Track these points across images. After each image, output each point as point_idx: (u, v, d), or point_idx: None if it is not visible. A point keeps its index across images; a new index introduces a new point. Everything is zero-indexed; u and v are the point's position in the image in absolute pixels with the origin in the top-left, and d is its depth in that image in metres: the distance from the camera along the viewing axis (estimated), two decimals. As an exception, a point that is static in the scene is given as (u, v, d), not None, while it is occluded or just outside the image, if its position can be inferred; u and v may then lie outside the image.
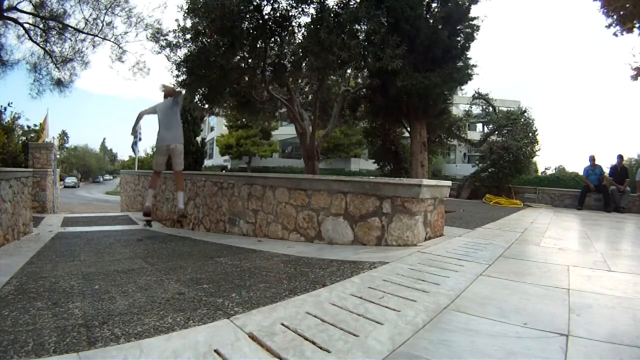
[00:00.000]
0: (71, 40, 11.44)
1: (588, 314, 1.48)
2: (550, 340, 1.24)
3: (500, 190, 10.36)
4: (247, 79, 7.76)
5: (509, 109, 13.89)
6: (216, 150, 29.82)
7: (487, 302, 1.60)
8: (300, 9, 6.05)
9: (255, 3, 6.01)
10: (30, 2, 10.58)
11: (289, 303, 1.63)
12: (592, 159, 8.60)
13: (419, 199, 2.89)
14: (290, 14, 6.15)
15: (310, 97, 9.82)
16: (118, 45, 11.80)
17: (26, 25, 10.90)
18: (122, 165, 57.40)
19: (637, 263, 2.51)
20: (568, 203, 9.26)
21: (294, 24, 6.30)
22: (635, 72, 8.87)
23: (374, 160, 11.67)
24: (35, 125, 12.52)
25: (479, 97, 11.75)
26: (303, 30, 6.28)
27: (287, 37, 6.51)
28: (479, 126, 25.15)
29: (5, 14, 10.34)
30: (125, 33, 11.65)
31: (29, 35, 10.97)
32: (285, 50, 6.66)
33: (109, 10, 11.24)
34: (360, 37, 6.14)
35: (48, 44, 11.36)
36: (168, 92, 4.45)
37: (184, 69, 6.95)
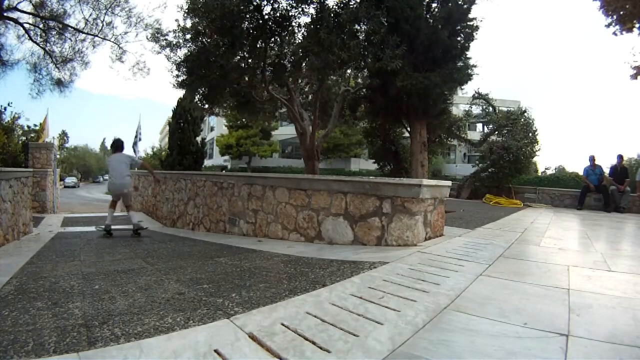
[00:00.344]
0: (71, 40, 11.45)
1: (588, 314, 1.48)
2: (550, 340, 1.24)
3: (500, 190, 10.36)
4: (247, 79, 7.76)
5: (509, 109, 13.89)
6: (216, 150, 29.81)
7: (487, 302, 1.60)
8: (300, 9, 6.05)
9: (255, 3, 6.00)
10: (30, 2, 10.59)
11: (289, 303, 1.63)
12: (592, 159, 8.59)
13: (419, 199, 2.89)
14: (290, 14, 6.15)
15: (310, 97, 9.82)
16: (118, 45, 11.81)
17: (26, 25, 10.91)
18: (122, 165, 57.23)
19: (637, 263, 2.51)
20: (568, 203, 9.26)
21: (294, 24, 6.29)
22: (635, 72, 8.87)
23: (374, 160, 11.67)
24: (35, 125, 12.52)
25: (479, 97, 11.75)
26: (303, 30, 6.28)
27: (287, 37, 6.51)
28: (479, 126, 25.15)
29: (5, 14, 10.34)
30: (125, 33, 11.66)
31: (29, 35, 10.98)
32: (285, 50, 6.66)
33: (109, 10, 11.24)
34: (360, 37, 6.14)
35: (48, 44, 11.36)
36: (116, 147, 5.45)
37: (184, 69, 6.95)
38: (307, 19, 6.12)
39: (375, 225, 3.04)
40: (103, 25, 11.36)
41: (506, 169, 10.19)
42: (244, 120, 21.10)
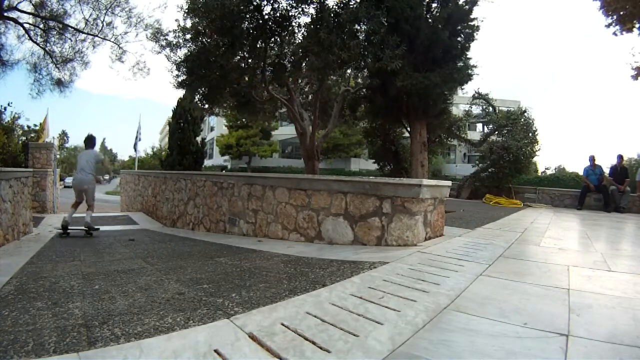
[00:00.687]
0: (71, 40, 11.44)
1: (588, 314, 1.47)
2: (550, 340, 1.24)
3: (500, 190, 10.36)
4: (247, 79, 7.75)
5: (509, 109, 13.89)
6: (216, 150, 29.81)
7: (487, 302, 1.60)
8: (300, 9, 6.05)
9: (255, 3, 6.00)
10: (30, 2, 10.58)
11: (289, 303, 1.63)
12: (592, 159, 8.59)
13: (419, 199, 2.89)
14: (290, 14, 6.14)
15: (310, 97, 9.81)
16: (118, 45, 11.80)
17: (26, 25, 10.90)
18: (122, 166, 57.37)
19: (637, 263, 2.51)
20: (568, 203, 9.26)
21: (294, 24, 6.29)
22: (636, 72, 8.87)
23: (374, 160, 11.67)
24: (35, 125, 12.51)
25: (479, 97, 11.75)
26: (303, 30, 6.28)
27: (287, 37, 6.51)
28: (479, 126, 25.14)
29: (5, 14, 10.33)
30: (125, 33, 11.64)
31: (29, 35, 10.97)
32: (285, 50, 6.66)
33: (109, 10, 11.23)
34: (360, 37, 6.14)
35: (48, 44, 11.35)
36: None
37: (184, 69, 6.94)
38: (307, 19, 6.12)
39: (375, 225, 3.04)
40: (103, 25, 11.36)
41: (506, 169, 10.18)
42: (244, 120, 21.11)
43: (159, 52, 6.99)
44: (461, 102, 18.32)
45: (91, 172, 5.32)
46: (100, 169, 5.57)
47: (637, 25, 8.34)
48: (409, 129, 8.06)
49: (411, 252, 2.61)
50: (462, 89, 8.10)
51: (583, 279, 2.01)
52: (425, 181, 2.95)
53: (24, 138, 12.08)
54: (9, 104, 11.14)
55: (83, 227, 5.15)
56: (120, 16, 11.41)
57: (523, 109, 11.11)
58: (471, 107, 12.55)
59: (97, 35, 11.45)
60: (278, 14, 6.12)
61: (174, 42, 6.82)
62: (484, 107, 12.24)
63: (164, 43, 6.90)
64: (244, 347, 1.20)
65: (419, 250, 2.66)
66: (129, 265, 2.74)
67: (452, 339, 1.25)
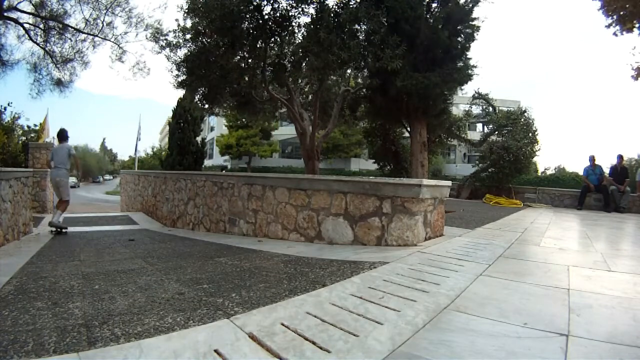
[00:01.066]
0: (71, 40, 11.45)
1: (588, 314, 1.47)
2: (550, 340, 1.24)
3: (500, 190, 10.36)
4: (247, 79, 7.75)
5: (509, 109, 13.88)
6: (216, 150, 29.82)
7: (487, 302, 1.60)
8: (300, 9, 6.05)
9: (255, 3, 6.00)
10: (30, 2, 10.59)
11: (289, 303, 1.63)
12: (592, 159, 8.59)
13: (419, 199, 2.89)
14: (290, 14, 6.14)
15: (310, 97, 9.81)
16: (118, 45, 11.81)
17: (26, 25, 10.91)
18: (122, 165, 57.44)
19: (637, 263, 2.51)
20: (568, 203, 9.26)
21: (293, 24, 6.29)
22: (636, 72, 8.87)
23: (374, 160, 11.67)
24: (35, 125, 12.53)
25: (479, 97, 11.75)
26: (303, 30, 6.28)
27: (287, 37, 6.51)
28: (479, 126, 25.16)
29: (5, 14, 10.34)
30: (126, 33, 11.66)
31: (29, 35, 10.98)
32: (285, 50, 6.66)
33: (109, 10, 11.24)
34: (360, 37, 6.14)
35: (48, 44, 11.36)
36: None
37: (184, 69, 6.95)
38: (307, 19, 6.12)
39: (375, 225, 3.04)
40: (103, 25, 11.37)
41: (506, 169, 10.18)
42: (244, 120, 21.12)
43: (159, 52, 6.99)
44: (461, 102, 18.33)
45: (66, 167, 5.41)
46: (72, 164, 5.65)
47: (637, 25, 8.33)
48: (409, 129, 8.06)
49: (411, 252, 2.61)
50: (462, 89, 8.10)
51: (583, 279, 2.01)
52: (425, 181, 2.95)
53: (24, 138, 12.09)
54: (9, 104, 11.19)
55: (52, 228, 5.24)
56: (120, 16, 11.43)
57: (523, 109, 11.11)
58: (471, 107, 12.55)
59: (97, 35, 11.46)
60: (278, 14, 6.12)
61: (174, 42, 6.82)
62: (484, 107, 12.25)
63: (164, 43, 6.90)
64: (244, 347, 1.20)
65: (419, 250, 2.66)
66: (129, 265, 2.74)
67: (452, 339, 1.25)
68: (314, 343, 1.22)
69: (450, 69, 6.55)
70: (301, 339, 1.25)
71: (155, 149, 38.71)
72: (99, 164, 66.31)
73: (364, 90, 8.62)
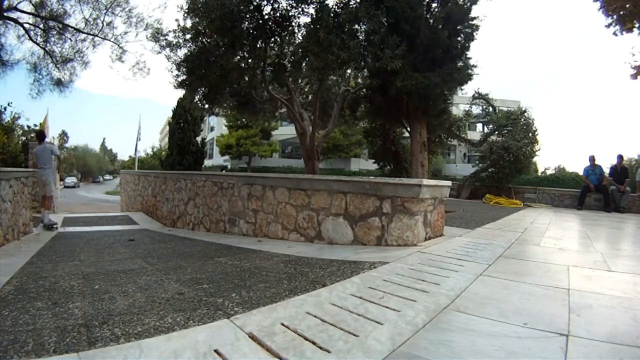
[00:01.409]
0: (71, 40, 11.45)
1: (588, 314, 1.47)
2: (550, 340, 1.24)
3: (500, 190, 10.35)
4: (247, 79, 7.75)
5: (509, 109, 13.88)
6: (216, 150, 29.82)
7: (487, 302, 1.60)
8: (300, 9, 6.05)
9: (255, 3, 6.00)
10: (30, 2, 10.58)
11: (289, 303, 1.63)
12: (592, 159, 8.58)
13: (419, 199, 2.89)
14: (290, 14, 6.14)
15: (310, 97, 9.81)
16: (118, 45, 11.81)
17: (26, 25, 10.90)
18: (122, 165, 57.46)
19: (637, 263, 2.51)
20: (568, 203, 9.26)
21: (293, 24, 6.29)
22: (635, 71, 8.86)
23: (374, 160, 11.67)
24: (35, 126, 12.53)
25: (479, 97, 11.74)
26: (303, 30, 6.28)
27: (287, 37, 6.51)
28: (479, 126, 25.16)
29: (5, 14, 10.34)
30: (125, 33, 11.66)
31: (29, 35, 10.98)
32: (285, 50, 6.66)
33: (109, 10, 11.24)
34: (360, 37, 6.14)
35: (48, 44, 11.36)
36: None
37: (184, 69, 6.95)
38: (307, 19, 6.12)
39: (375, 225, 3.04)
40: (103, 25, 11.37)
41: (506, 169, 10.18)
42: (244, 120, 21.11)
43: (159, 52, 6.99)
44: (461, 102, 18.33)
45: (51, 166, 5.72)
46: (56, 162, 5.93)
47: (637, 25, 8.33)
48: (409, 129, 8.06)
49: (411, 252, 2.61)
50: (462, 89, 8.10)
51: (583, 279, 2.01)
52: (425, 181, 2.95)
53: (24, 138, 12.09)
54: (9, 104, 11.20)
55: (45, 224, 5.53)
56: (120, 16, 11.43)
57: (523, 109, 11.11)
58: (471, 107, 12.55)
59: (97, 35, 11.46)
60: (278, 14, 6.12)
61: (174, 42, 6.82)
62: (484, 107, 12.25)
63: (164, 43, 6.90)
64: (244, 347, 1.20)
65: (419, 250, 2.66)
66: (129, 265, 2.74)
67: (452, 339, 1.25)
68: (314, 343, 1.22)
69: (450, 68, 6.55)
70: (301, 339, 1.25)
71: (155, 149, 38.73)
72: (99, 164, 66.34)
73: (364, 90, 8.62)
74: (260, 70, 7.20)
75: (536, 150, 10.75)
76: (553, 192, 10.02)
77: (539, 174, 19.12)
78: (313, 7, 5.94)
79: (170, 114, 17.63)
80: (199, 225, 5.73)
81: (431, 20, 6.65)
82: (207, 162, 28.48)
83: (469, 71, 7.00)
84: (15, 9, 10.51)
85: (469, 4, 6.64)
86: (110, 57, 11.95)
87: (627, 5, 8.08)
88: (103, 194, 33.69)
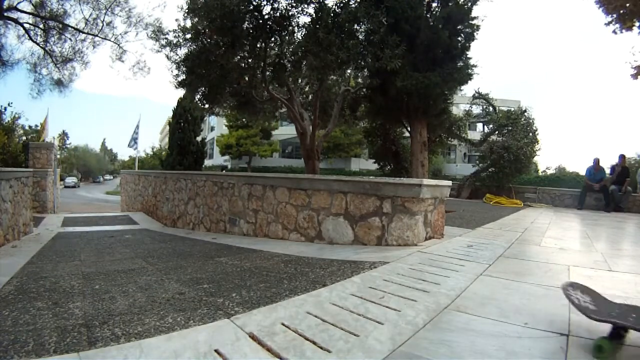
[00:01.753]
0: (71, 40, 11.44)
1: (588, 313, 1.47)
2: (550, 340, 1.24)
3: (500, 190, 10.35)
4: (247, 78, 7.75)
5: (509, 108, 13.88)
6: (216, 150, 29.83)
7: (488, 302, 1.60)
8: (300, 9, 6.05)
9: (255, 3, 6.00)
10: (30, 2, 10.58)
11: (289, 303, 1.63)
12: (596, 161, 8.52)
13: (419, 198, 2.89)
14: (290, 13, 6.14)
15: (310, 97, 9.81)
16: (118, 45, 11.80)
17: (26, 25, 10.90)
18: (122, 165, 57.48)
19: (637, 263, 2.51)
20: (568, 203, 9.25)
21: (293, 23, 6.29)
22: (635, 71, 8.85)
23: (374, 160, 11.67)
24: (36, 126, 12.56)
25: (479, 97, 11.74)
26: (303, 30, 6.28)
27: (287, 37, 6.51)
28: (479, 126, 25.12)
29: (5, 14, 10.33)
30: (125, 33, 11.65)
31: (29, 35, 10.97)
32: (285, 50, 6.66)
33: (109, 10, 11.23)
34: (360, 37, 6.14)
35: (48, 44, 11.35)
36: None
37: (184, 69, 6.95)
38: (307, 19, 6.12)
39: (375, 225, 3.04)
40: (103, 25, 11.36)
41: (506, 169, 10.18)
42: (244, 120, 21.12)
43: (159, 51, 6.99)
44: (461, 102, 18.31)
45: None
46: None
47: (637, 24, 8.32)
48: (409, 128, 8.06)
49: (411, 252, 2.61)
50: (462, 88, 8.09)
51: (584, 279, 2.00)
52: (426, 181, 2.95)
53: (24, 138, 12.10)
54: (9, 104, 11.18)
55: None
56: (120, 16, 11.42)
57: (523, 109, 11.11)
58: (471, 107, 12.55)
59: (97, 35, 11.46)
60: (278, 14, 6.12)
61: (174, 42, 6.82)
62: (484, 106, 12.24)
63: (164, 42, 6.89)
64: (244, 347, 1.20)
65: (419, 250, 2.66)
66: (130, 265, 2.74)
67: (453, 338, 1.25)
68: (314, 343, 1.22)
69: (451, 68, 6.54)
70: (301, 338, 1.25)
71: (155, 149, 38.74)
72: (99, 164, 66.38)
73: (364, 90, 8.62)
74: (260, 70, 7.20)
75: (536, 150, 10.75)
76: (553, 192, 10.01)
77: (540, 174, 19.09)
78: (313, 7, 5.94)
79: (167, 112, 17.69)
80: (199, 225, 5.73)
81: (431, 20, 6.64)
82: (208, 162, 28.48)
83: (469, 71, 6.99)
84: (15, 9, 10.51)
85: (469, 4, 6.64)
86: (111, 57, 11.95)
87: (627, 4, 8.07)
88: (103, 194, 33.70)
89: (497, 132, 11.23)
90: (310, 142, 7.92)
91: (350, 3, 5.95)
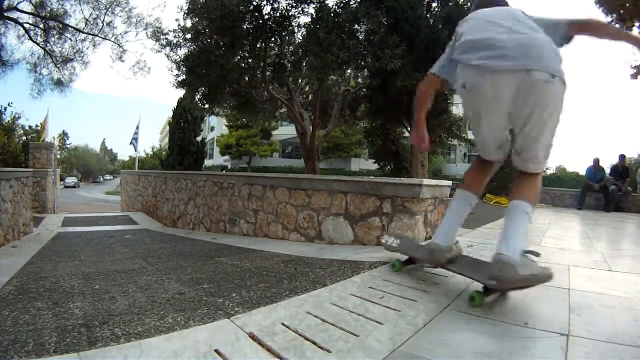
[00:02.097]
0: (71, 40, 11.45)
1: (589, 313, 1.47)
2: (550, 340, 1.24)
3: (500, 190, 10.34)
4: (247, 78, 7.76)
5: (509, 108, 13.85)
6: (216, 150, 29.83)
7: (488, 302, 1.60)
8: (300, 9, 6.05)
9: (255, 3, 6.00)
10: (30, 2, 10.59)
11: (289, 303, 1.62)
12: (596, 161, 8.52)
13: (419, 198, 2.89)
14: (290, 13, 6.15)
15: (310, 97, 9.81)
16: (118, 44, 11.81)
17: (26, 25, 10.90)
18: (122, 165, 57.49)
19: (637, 263, 2.51)
20: (568, 203, 9.25)
21: (293, 23, 6.30)
22: (635, 71, 8.85)
23: (374, 160, 11.66)
24: (36, 126, 12.57)
25: (479, 96, 11.72)
26: (303, 30, 6.29)
27: (287, 37, 6.52)
28: (479, 126, 25.07)
29: (5, 14, 10.34)
30: (126, 32, 11.66)
31: (29, 35, 10.98)
32: (285, 50, 6.66)
33: (109, 10, 11.24)
34: (360, 37, 6.14)
35: (48, 44, 11.36)
36: None
37: (184, 69, 6.96)
38: (307, 19, 6.13)
39: (375, 225, 3.04)
40: (103, 25, 11.37)
41: (506, 169, 10.15)
42: (244, 120, 21.11)
43: (159, 51, 7.00)
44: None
45: None
46: None
47: (637, 24, 8.32)
48: (409, 128, 8.07)
49: (411, 251, 2.61)
50: (462, 88, 8.09)
51: (583, 279, 2.01)
52: (426, 181, 2.95)
53: (24, 138, 12.11)
54: (9, 104, 11.20)
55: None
56: (120, 16, 11.43)
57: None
58: (471, 107, 12.52)
59: (97, 35, 11.46)
60: (278, 14, 6.12)
61: (174, 42, 6.83)
62: (484, 106, 12.22)
63: (164, 42, 6.91)
64: (244, 347, 1.20)
65: (419, 250, 2.66)
66: (129, 265, 2.74)
67: (453, 338, 1.25)
68: (314, 343, 1.22)
69: (451, 68, 6.55)
70: (301, 338, 1.25)
71: (155, 149, 38.74)
72: (99, 164, 66.40)
73: (364, 90, 8.62)
74: (260, 70, 7.21)
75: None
76: (553, 191, 10.01)
77: (539, 174, 19.08)
78: (313, 7, 5.95)
79: (167, 112, 17.72)
80: (199, 225, 5.73)
81: (431, 20, 6.65)
82: (208, 162, 28.47)
83: (469, 71, 6.99)
84: (16, 9, 10.52)
85: (469, 4, 6.64)
86: (111, 56, 11.97)
87: (627, 4, 8.07)
88: (103, 194, 33.71)
89: (497, 132, 11.21)
90: (310, 142, 7.92)
91: (351, 3, 5.96)
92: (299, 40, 6.38)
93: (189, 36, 6.66)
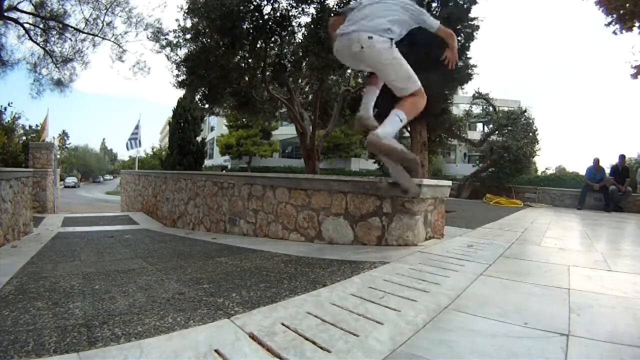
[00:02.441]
0: (71, 40, 11.45)
1: (589, 313, 1.47)
2: (550, 340, 1.24)
3: (500, 190, 10.35)
4: (247, 78, 7.76)
5: (509, 108, 13.88)
6: (216, 150, 29.83)
7: (488, 302, 1.60)
8: (300, 9, 6.06)
9: (255, 3, 6.01)
10: (31, 2, 10.59)
11: (289, 303, 1.62)
12: (596, 161, 8.52)
13: (419, 198, 2.88)
14: (290, 13, 6.15)
15: (310, 97, 9.81)
16: (118, 45, 11.80)
17: (26, 25, 10.90)
18: (122, 165, 57.47)
19: (637, 263, 2.51)
20: (568, 203, 9.25)
21: (294, 23, 6.30)
22: (635, 71, 8.84)
23: (374, 160, 11.66)
24: (36, 126, 12.57)
25: (479, 96, 11.74)
26: (303, 30, 6.29)
27: (287, 37, 6.52)
28: (479, 126, 25.11)
29: (5, 14, 10.34)
30: (126, 33, 11.65)
31: (29, 35, 10.98)
32: (285, 50, 6.66)
33: (109, 10, 11.24)
34: (361, 37, 6.13)
35: (48, 44, 11.36)
36: None
37: (184, 69, 6.96)
38: (308, 19, 6.13)
39: (375, 225, 3.04)
40: (103, 25, 11.36)
41: (506, 169, 10.18)
42: (244, 120, 21.12)
43: (159, 52, 7.00)
44: (461, 102, 18.31)
45: None
46: None
47: (637, 24, 8.31)
48: (408, 128, 8.06)
49: (411, 251, 2.61)
50: (462, 88, 8.10)
51: (583, 279, 2.01)
52: (426, 181, 2.95)
53: (24, 138, 12.11)
54: (9, 104, 11.19)
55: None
56: (120, 16, 11.42)
57: (523, 109, 11.11)
58: (471, 107, 12.56)
59: (97, 35, 11.46)
60: (278, 14, 6.12)
61: (174, 42, 6.83)
62: (484, 106, 12.25)
63: (164, 43, 6.91)
64: (244, 347, 1.20)
65: (419, 250, 2.66)
66: (130, 265, 2.74)
67: (453, 338, 1.25)
68: (314, 343, 1.22)
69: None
70: (301, 338, 1.25)
71: (155, 149, 38.73)
72: (99, 164, 66.39)
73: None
74: (260, 70, 7.21)
75: (536, 150, 10.75)
76: (553, 192, 10.01)
77: (539, 174, 19.09)
78: (313, 7, 5.95)
79: (167, 112, 17.71)
80: (199, 225, 5.73)
81: (431, 20, 6.64)
82: (208, 162, 28.48)
83: (469, 71, 7.00)
84: (16, 9, 10.51)
85: (468, 4, 6.64)
86: (111, 57, 11.96)
87: (627, 5, 8.06)
88: (103, 194, 33.71)
89: (497, 132, 11.24)
90: (310, 142, 7.92)
91: (351, 3, 5.95)
92: (300, 40, 6.38)
93: (189, 36, 6.66)
